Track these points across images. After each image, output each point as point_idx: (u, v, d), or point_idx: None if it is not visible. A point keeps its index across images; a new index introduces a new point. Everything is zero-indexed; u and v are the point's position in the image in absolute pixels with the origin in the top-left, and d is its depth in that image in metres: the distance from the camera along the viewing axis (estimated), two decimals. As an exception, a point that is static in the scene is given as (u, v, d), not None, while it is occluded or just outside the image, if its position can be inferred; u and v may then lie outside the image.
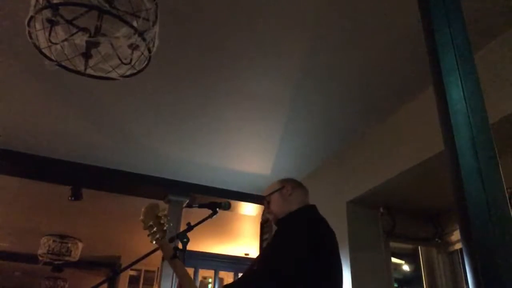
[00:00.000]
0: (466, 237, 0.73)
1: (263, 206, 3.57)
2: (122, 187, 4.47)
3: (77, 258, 6.56)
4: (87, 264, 8.03)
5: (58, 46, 1.60)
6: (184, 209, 4.37)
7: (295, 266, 1.44)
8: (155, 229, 1.60)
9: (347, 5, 2.16)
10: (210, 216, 1.77)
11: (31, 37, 1.58)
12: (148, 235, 1.60)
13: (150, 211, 1.63)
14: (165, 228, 1.62)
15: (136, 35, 1.60)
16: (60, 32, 1.59)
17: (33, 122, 3.43)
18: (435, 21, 0.87)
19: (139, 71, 1.79)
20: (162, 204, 4.51)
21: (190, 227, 1.69)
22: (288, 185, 1.82)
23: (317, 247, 1.50)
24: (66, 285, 8.55)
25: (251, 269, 1.62)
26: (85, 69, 1.69)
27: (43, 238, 6.27)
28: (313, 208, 1.78)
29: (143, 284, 8.17)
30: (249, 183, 4.42)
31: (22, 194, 4.88)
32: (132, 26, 1.58)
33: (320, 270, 1.49)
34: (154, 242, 1.60)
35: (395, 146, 3.03)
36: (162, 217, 1.63)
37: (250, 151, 3.83)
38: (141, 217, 1.61)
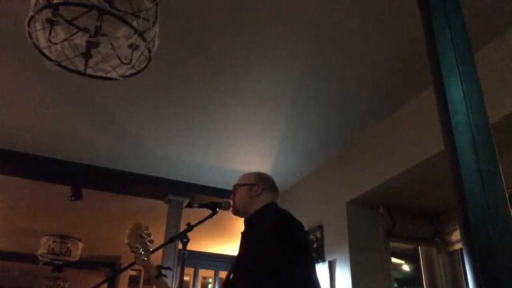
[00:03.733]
0: (466, 237, 0.73)
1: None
2: (122, 187, 4.47)
3: (77, 258, 6.55)
4: (87, 264, 8.02)
5: (58, 46, 1.60)
6: (184, 209, 4.37)
7: (274, 265, 1.44)
8: (141, 250, 1.55)
9: (347, 5, 2.16)
10: (210, 216, 1.77)
11: (31, 37, 1.58)
12: (135, 257, 1.55)
13: (134, 232, 1.57)
14: (149, 248, 1.57)
15: (136, 35, 1.60)
16: (60, 32, 1.59)
17: (33, 122, 3.42)
18: (435, 21, 0.87)
19: (139, 71, 1.78)
20: (163, 207, 4.51)
21: (190, 227, 1.69)
22: (260, 184, 1.76)
23: (292, 244, 1.52)
24: (66, 285, 8.54)
25: (229, 275, 1.61)
26: (85, 69, 1.68)
27: (43, 238, 6.27)
28: (276, 204, 1.78)
29: (143, 284, 8.17)
30: (249, 183, 4.40)
31: (22, 194, 4.87)
32: (132, 26, 1.58)
33: (298, 264, 1.51)
34: (140, 264, 1.54)
35: (395, 146, 3.03)
36: (146, 237, 1.57)
37: (250, 151, 3.83)
38: (126, 241, 1.54)
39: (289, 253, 1.49)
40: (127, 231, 1.56)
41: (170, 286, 1.59)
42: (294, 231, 1.59)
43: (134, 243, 1.54)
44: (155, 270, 1.55)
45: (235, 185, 1.82)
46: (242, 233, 1.73)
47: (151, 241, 1.57)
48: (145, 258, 1.53)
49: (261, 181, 1.79)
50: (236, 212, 1.78)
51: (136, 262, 1.54)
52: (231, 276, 1.58)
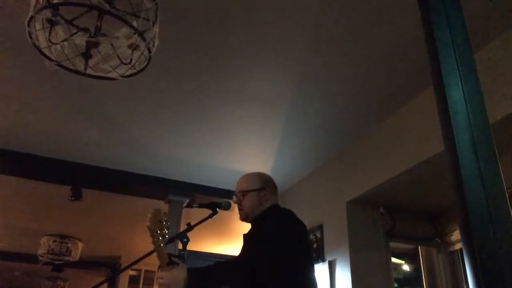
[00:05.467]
0: (466, 237, 0.73)
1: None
2: (122, 187, 4.47)
3: (77, 258, 6.55)
4: (87, 264, 8.02)
5: (58, 46, 1.60)
6: (184, 209, 4.37)
7: (274, 262, 1.47)
8: (159, 236, 1.58)
9: (347, 5, 2.16)
10: (210, 216, 1.78)
11: (31, 37, 1.58)
12: (153, 242, 1.58)
13: (155, 217, 1.60)
14: (165, 234, 1.60)
15: (136, 35, 1.60)
16: (60, 32, 1.59)
17: (33, 122, 3.42)
18: (435, 21, 0.87)
19: (139, 71, 1.78)
20: (163, 207, 4.51)
21: (190, 227, 1.69)
22: (268, 189, 1.81)
23: (293, 243, 1.57)
24: (66, 285, 8.54)
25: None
26: (85, 69, 1.68)
27: (43, 238, 6.26)
28: (278, 205, 1.84)
29: (143, 284, 8.17)
30: (249, 183, 4.40)
31: (22, 194, 4.87)
32: (132, 26, 1.58)
33: (297, 264, 1.55)
34: (156, 249, 1.58)
35: (395, 146, 3.03)
36: (164, 223, 1.60)
37: (250, 151, 3.83)
38: (148, 224, 1.58)
39: (290, 252, 1.50)
40: (148, 215, 1.59)
41: None
42: (296, 230, 1.60)
43: (154, 227, 1.57)
44: (167, 258, 1.57)
45: (242, 191, 1.81)
46: (245, 235, 1.74)
47: (168, 228, 1.60)
48: (162, 244, 1.56)
49: (268, 185, 1.83)
50: (246, 219, 1.80)
51: (153, 247, 1.58)
52: None
